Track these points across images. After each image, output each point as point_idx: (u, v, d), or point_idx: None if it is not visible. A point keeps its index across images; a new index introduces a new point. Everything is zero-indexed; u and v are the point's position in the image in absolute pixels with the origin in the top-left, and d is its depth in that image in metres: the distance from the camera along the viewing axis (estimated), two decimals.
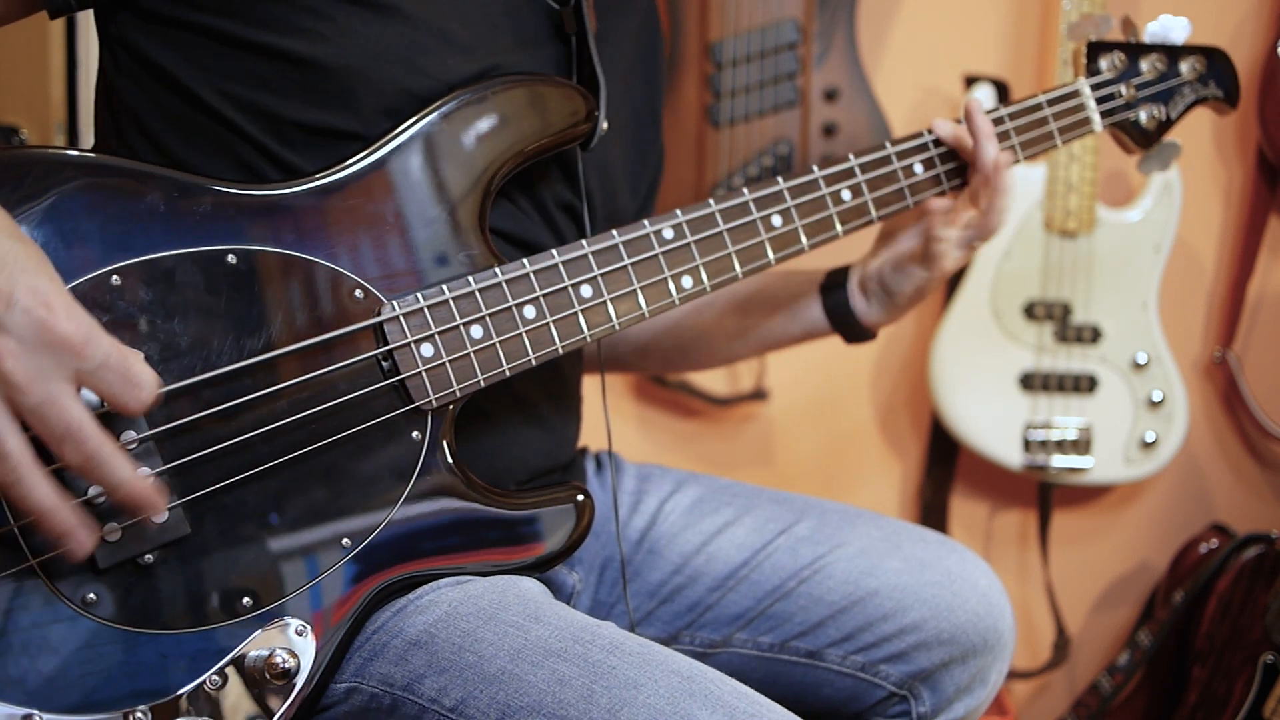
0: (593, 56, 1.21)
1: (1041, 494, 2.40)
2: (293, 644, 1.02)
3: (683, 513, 1.41)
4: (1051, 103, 1.40)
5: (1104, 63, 1.43)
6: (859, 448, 2.47)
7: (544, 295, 1.14)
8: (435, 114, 1.12)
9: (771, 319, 1.46)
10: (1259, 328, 2.42)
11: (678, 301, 1.21)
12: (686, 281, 1.21)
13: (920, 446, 2.46)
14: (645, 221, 1.19)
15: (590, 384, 1.40)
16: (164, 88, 1.11)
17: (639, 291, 1.19)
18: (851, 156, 1.31)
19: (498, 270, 1.12)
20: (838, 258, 1.47)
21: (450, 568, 1.11)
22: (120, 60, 1.13)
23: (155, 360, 0.99)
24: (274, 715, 1.01)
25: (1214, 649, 2.17)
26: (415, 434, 1.09)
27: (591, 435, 1.41)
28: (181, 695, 0.98)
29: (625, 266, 1.18)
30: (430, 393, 1.09)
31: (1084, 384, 2.24)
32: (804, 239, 1.28)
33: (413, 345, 1.08)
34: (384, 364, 1.07)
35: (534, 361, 1.13)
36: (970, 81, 2.22)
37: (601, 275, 1.16)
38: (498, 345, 1.11)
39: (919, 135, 1.35)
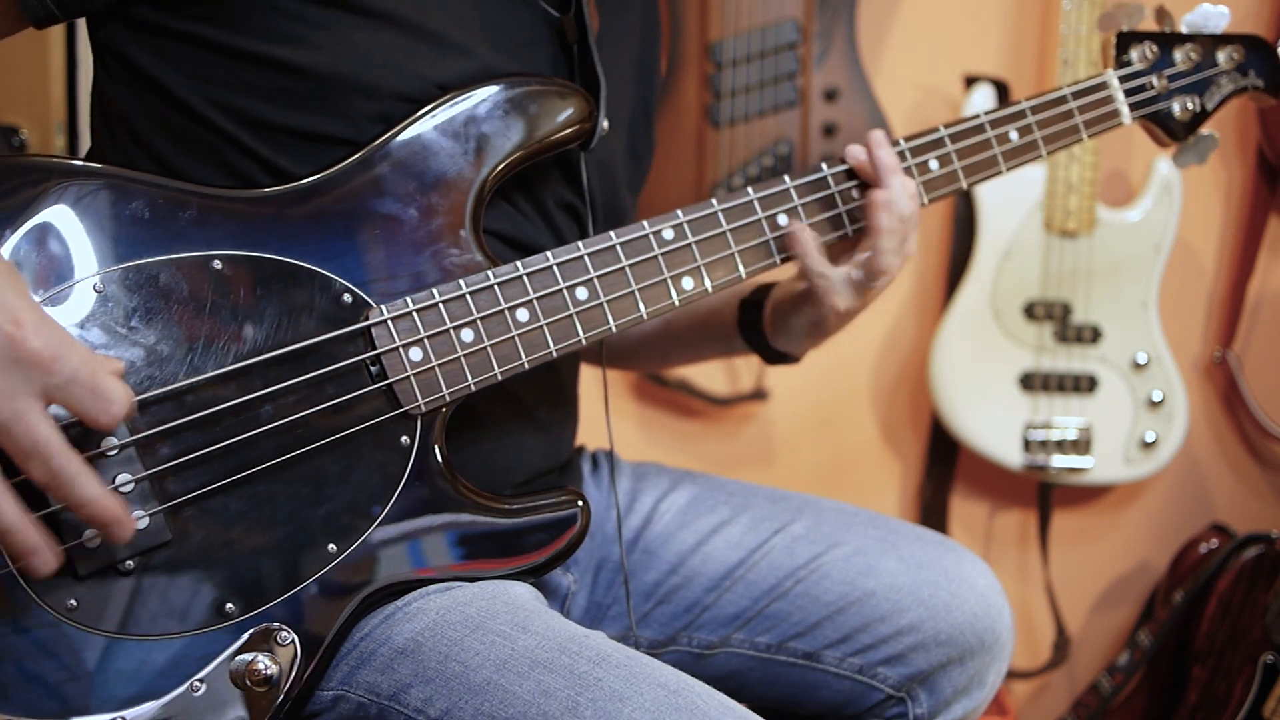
0: (594, 58, 1.20)
1: (1041, 494, 2.39)
2: (276, 651, 1.02)
3: (678, 512, 1.40)
4: (1076, 95, 1.36)
5: (1134, 54, 1.39)
6: (859, 448, 2.46)
7: (538, 298, 1.12)
8: (425, 116, 1.10)
9: (698, 331, 1.45)
10: (1259, 328, 2.41)
11: (678, 303, 1.20)
12: (687, 283, 1.20)
13: (920, 446, 2.45)
14: (644, 222, 1.18)
15: (591, 384, 1.39)
16: (155, 96, 1.11)
17: (637, 293, 1.17)
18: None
19: (490, 273, 1.10)
20: None
21: (439, 575, 1.10)
22: (112, 69, 1.13)
23: (139, 367, 0.98)
24: None
25: (1214, 649, 2.16)
26: (404, 439, 1.08)
27: (592, 435, 1.40)
28: (164, 702, 0.98)
29: (623, 268, 1.17)
30: (419, 397, 1.08)
31: (1084, 384, 2.24)
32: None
33: (400, 349, 1.07)
34: (372, 368, 1.07)
35: (526, 365, 1.12)
36: (970, 81, 2.21)
37: (598, 277, 1.15)
38: (489, 349, 1.10)
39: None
